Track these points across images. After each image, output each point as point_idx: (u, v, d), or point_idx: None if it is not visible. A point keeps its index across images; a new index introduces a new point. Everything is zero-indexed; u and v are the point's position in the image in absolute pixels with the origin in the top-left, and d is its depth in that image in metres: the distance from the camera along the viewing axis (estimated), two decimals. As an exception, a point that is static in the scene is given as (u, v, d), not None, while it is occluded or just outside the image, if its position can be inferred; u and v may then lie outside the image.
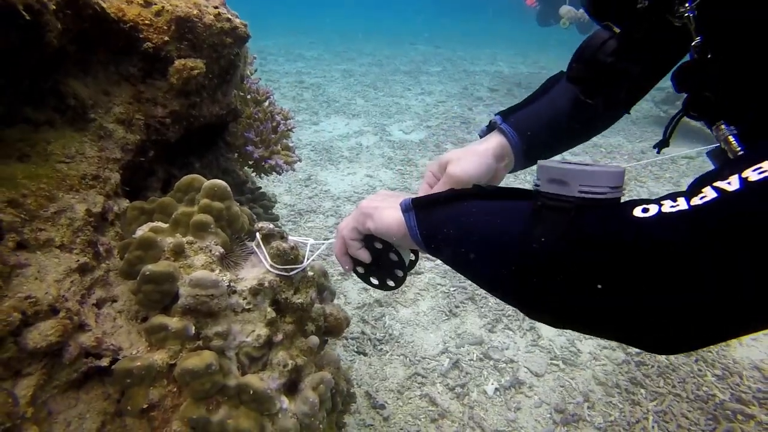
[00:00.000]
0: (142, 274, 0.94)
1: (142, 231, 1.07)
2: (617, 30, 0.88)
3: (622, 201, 0.61)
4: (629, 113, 1.08)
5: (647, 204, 0.55)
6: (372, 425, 2.25)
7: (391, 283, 0.98)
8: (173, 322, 0.92)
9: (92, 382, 1.01)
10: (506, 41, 13.97)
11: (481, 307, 2.97)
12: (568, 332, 2.79)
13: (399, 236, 0.84)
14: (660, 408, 2.27)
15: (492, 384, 2.46)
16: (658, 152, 0.97)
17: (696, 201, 0.50)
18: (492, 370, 2.54)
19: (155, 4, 1.19)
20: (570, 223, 0.58)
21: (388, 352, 2.68)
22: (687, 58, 0.75)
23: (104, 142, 1.19)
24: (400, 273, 0.95)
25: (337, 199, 4.22)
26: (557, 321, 0.64)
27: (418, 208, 0.81)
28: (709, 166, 0.67)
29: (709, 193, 0.50)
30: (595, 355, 2.60)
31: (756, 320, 0.49)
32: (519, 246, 0.62)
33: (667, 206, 0.53)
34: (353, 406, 1.85)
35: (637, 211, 0.54)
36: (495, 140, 1.05)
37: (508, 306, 2.96)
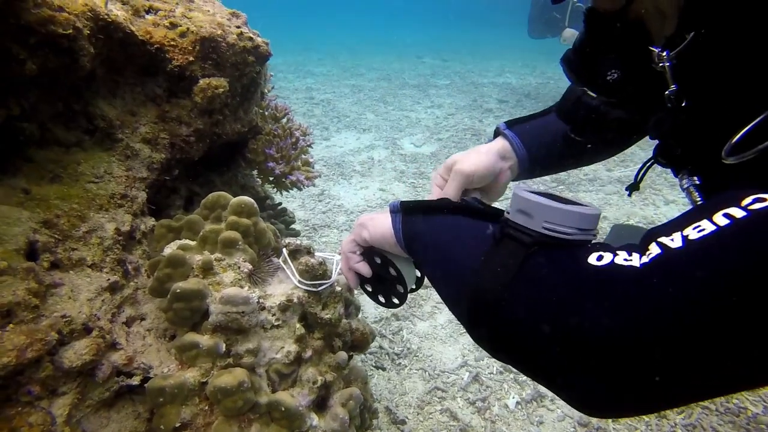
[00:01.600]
0: (173, 292, 0.94)
1: (170, 249, 1.08)
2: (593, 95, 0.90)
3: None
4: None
5: (605, 252, 0.54)
6: (393, 441, 2.23)
7: (395, 301, 0.96)
8: (204, 340, 0.92)
9: (123, 401, 1.01)
10: (513, 53, 14.04)
11: (499, 320, 2.94)
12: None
13: (392, 242, 0.83)
14: (688, 421, 2.21)
15: (513, 397, 2.42)
16: (629, 195, 1.01)
17: (644, 259, 0.51)
18: (512, 384, 2.51)
19: (180, 25, 1.21)
20: (524, 258, 0.58)
21: (406, 366, 2.65)
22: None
23: (131, 162, 1.20)
24: (401, 289, 0.93)
25: (351, 213, 4.23)
26: (495, 352, 0.63)
27: (404, 212, 0.82)
28: None
29: (653, 250, 0.51)
30: (618, 367, 2.55)
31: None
32: (472, 276, 0.62)
33: (621, 258, 0.52)
34: (374, 422, 1.84)
35: (593, 258, 0.54)
36: (498, 142, 1.08)
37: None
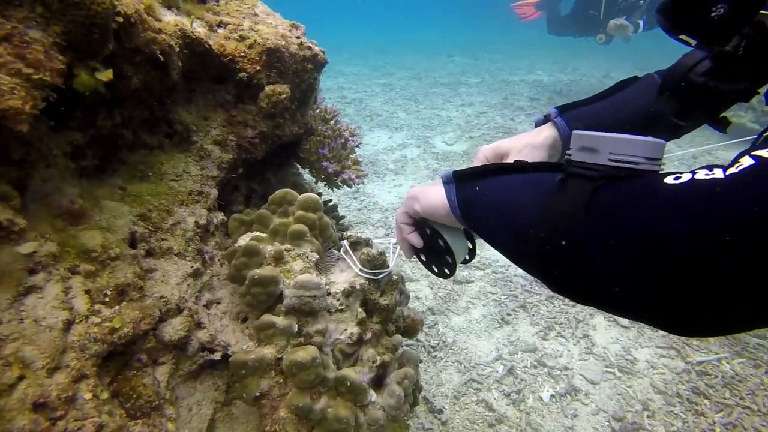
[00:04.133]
0: (251, 278, 1.06)
1: (243, 240, 1.21)
2: (693, 42, 0.85)
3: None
4: (726, 132, 1.01)
5: (681, 173, 0.51)
6: (431, 429, 2.32)
7: (446, 271, 0.99)
8: (280, 320, 1.04)
9: (205, 374, 1.14)
10: (544, 50, 13.86)
11: (533, 315, 3.00)
12: (623, 340, 2.79)
13: (443, 213, 0.82)
14: (728, 420, 2.23)
15: (547, 391, 2.49)
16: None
17: (732, 170, 0.46)
18: (547, 377, 2.57)
19: (248, 38, 1.33)
20: (593, 191, 0.55)
21: (442, 358, 2.75)
22: None
23: (204, 162, 1.34)
24: (449, 260, 0.97)
25: (386, 210, 4.34)
26: (584, 299, 0.60)
27: (458, 180, 0.79)
28: None
29: (745, 162, 0.46)
30: (653, 363, 2.58)
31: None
32: (541, 223, 0.59)
33: (702, 174, 0.49)
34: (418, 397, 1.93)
35: (669, 179, 0.51)
36: (549, 133, 1.06)
37: (560, 313, 2.98)
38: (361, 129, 6.68)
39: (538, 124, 1.14)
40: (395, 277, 1.16)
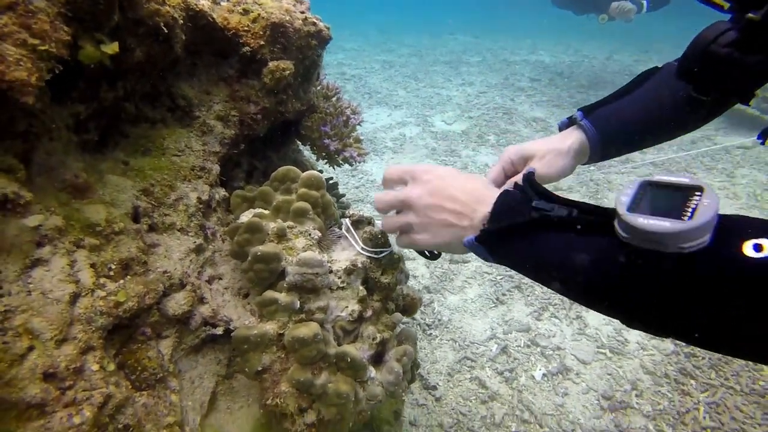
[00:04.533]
0: (254, 255, 1.07)
1: (246, 216, 1.21)
2: (726, 4, 0.84)
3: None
4: (749, 105, 0.98)
5: (759, 239, 0.51)
6: (425, 405, 2.38)
7: (435, 252, 0.98)
8: (282, 297, 1.06)
9: (207, 348, 1.16)
10: (546, 31, 13.68)
11: (528, 296, 3.04)
12: (615, 322, 2.81)
13: (460, 252, 0.83)
14: (712, 399, 2.30)
15: (540, 370, 2.54)
16: (763, 143, 0.97)
17: None
18: (539, 357, 2.62)
19: (252, 11, 1.31)
20: (677, 271, 0.55)
21: (437, 336, 2.79)
22: None
23: (206, 137, 1.33)
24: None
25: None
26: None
27: (490, 243, 0.76)
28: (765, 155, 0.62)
29: None
30: (643, 345, 2.64)
31: None
32: (620, 282, 0.60)
33: None
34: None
35: (748, 249, 0.51)
36: (575, 137, 1.06)
37: (554, 294, 3.02)
38: (361, 106, 6.62)
39: (561, 128, 1.13)
40: (396, 256, 1.17)
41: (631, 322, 0.63)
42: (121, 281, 0.91)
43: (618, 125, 1.06)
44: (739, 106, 0.83)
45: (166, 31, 0.99)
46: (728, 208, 3.94)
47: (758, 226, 0.53)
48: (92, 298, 0.84)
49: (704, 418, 2.22)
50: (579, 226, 0.65)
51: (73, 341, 0.78)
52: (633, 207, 0.59)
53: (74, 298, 0.82)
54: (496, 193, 0.79)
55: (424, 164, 0.93)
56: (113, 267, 0.91)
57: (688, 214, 0.55)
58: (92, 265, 0.88)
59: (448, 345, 2.73)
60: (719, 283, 0.53)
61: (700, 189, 0.57)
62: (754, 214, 3.87)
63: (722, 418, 2.21)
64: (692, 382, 2.40)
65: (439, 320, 2.90)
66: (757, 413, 2.22)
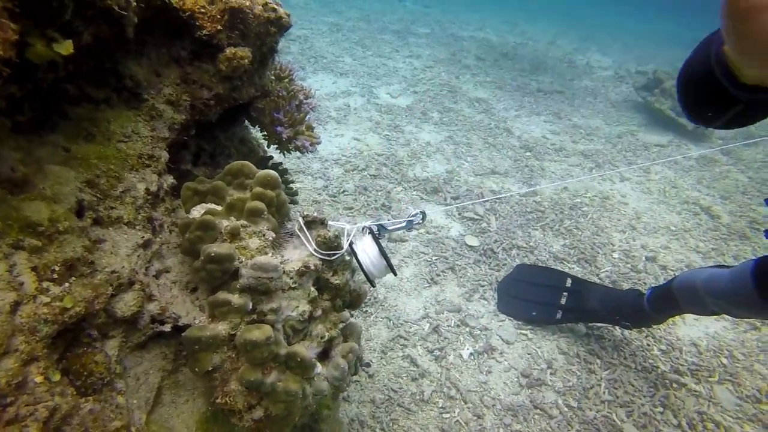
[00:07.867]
0: (208, 255, 1.06)
1: (197, 212, 1.18)
2: None
3: None
4: None
5: None
6: (358, 381, 2.48)
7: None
8: (235, 299, 1.06)
9: (153, 344, 1.15)
10: (495, 6, 13.80)
11: (461, 277, 3.20)
12: (538, 306, 3.06)
13: None
14: (612, 376, 2.59)
15: (467, 349, 2.72)
16: None
17: None
18: (468, 336, 2.80)
19: (209, -9, 1.24)
20: None
21: (372, 314, 2.89)
22: None
23: (155, 122, 1.26)
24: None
25: (326, 161, 4.30)
26: None
27: None
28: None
29: None
30: (560, 327, 2.88)
31: None
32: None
33: None
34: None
35: None
36: None
37: (484, 277, 3.21)
38: (305, 70, 6.43)
39: None
40: (347, 258, 1.21)
41: None
42: (67, 284, 0.87)
43: None
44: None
45: (122, 13, 0.92)
46: (643, 202, 4.31)
47: None
48: (35, 305, 0.81)
49: (604, 392, 2.51)
50: None
51: (15, 354, 0.75)
52: None
53: (15, 306, 0.78)
54: None
55: None
56: (57, 269, 0.87)
57: None
58: (34, 269, 0.83)
59: (383, 323, 2.84)
60: None
61: None
62: (662, 208, 4.27)
63: (618, 392, 2.52)
64: (598, 361, 2.69)
65: (375, 298, 2.99)
66: (644, 387, 2.57)
